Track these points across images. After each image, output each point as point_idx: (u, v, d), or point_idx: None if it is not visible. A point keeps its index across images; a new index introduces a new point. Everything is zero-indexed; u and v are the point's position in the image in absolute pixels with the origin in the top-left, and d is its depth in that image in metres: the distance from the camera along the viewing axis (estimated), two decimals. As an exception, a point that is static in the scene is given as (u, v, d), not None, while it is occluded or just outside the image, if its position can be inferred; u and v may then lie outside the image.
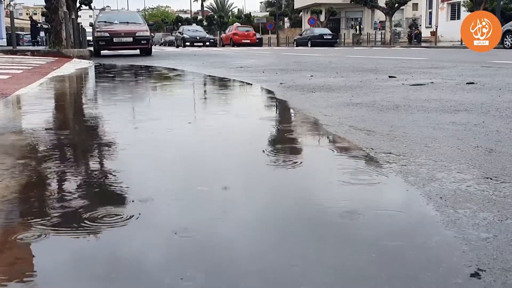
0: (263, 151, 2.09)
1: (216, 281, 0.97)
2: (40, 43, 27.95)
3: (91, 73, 8.15)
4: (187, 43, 30.24)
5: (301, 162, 1.94)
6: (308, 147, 2.29)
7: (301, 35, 36.33)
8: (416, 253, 1.08)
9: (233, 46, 32.29)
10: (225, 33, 37.72)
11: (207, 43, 31.16)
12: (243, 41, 33.16)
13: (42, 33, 28.85)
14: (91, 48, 15.69)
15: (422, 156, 1.90)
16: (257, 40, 34.08)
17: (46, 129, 2.75)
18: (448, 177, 1.62)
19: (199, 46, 29.11)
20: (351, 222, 1.26)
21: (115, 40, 14.12)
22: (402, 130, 2.45)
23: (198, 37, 30.94)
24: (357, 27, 38.42)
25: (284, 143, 2.30)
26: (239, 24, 39.32)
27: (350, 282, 0.97)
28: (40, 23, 31.85)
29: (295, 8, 49.92)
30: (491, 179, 1.59)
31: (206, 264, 1.03)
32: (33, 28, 29.49)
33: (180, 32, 32.64)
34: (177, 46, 30.58)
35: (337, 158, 1.98)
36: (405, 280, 0.97)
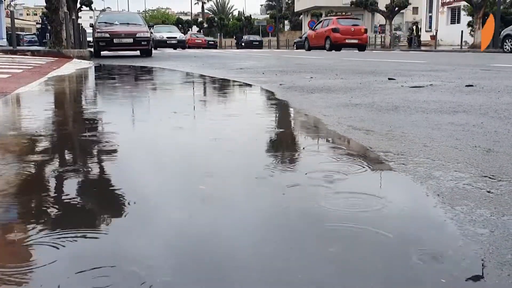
0: (264, 149, 2.09)
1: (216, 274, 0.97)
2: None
3: (91, 73, 8.16)
4: None
5: (300, 160, 1.94)
6: (307, 145, 2.30)
7: (301, 37, 36.45)
8: (413, 247, 1.08)
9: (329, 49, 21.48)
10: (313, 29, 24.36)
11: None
12: (346, 41, 21.61)
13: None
14: (91, 49, 15.71)
15: (420, 155, 1.91)
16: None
17: (45, 126, 2.76)
18: (445, 176, 1.62)
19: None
20: (347, 219, 1.27)
21: (115, 41, 14.13)
22: (401, 130, 2.46)
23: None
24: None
25: (283, 142, 2.31)
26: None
27: (347, 272, 0.97)
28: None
29: (295, 11, 50.07)
30: (488, 177, 1.60)
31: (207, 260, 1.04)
32: (44, 29, 29.71)
33: None
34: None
35: (335, 157, 1.98)
36: (401, 273, 0.97)
